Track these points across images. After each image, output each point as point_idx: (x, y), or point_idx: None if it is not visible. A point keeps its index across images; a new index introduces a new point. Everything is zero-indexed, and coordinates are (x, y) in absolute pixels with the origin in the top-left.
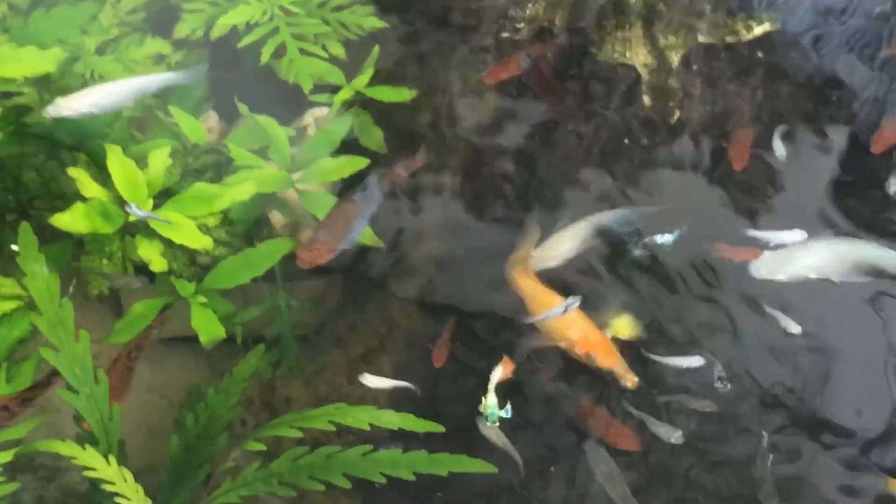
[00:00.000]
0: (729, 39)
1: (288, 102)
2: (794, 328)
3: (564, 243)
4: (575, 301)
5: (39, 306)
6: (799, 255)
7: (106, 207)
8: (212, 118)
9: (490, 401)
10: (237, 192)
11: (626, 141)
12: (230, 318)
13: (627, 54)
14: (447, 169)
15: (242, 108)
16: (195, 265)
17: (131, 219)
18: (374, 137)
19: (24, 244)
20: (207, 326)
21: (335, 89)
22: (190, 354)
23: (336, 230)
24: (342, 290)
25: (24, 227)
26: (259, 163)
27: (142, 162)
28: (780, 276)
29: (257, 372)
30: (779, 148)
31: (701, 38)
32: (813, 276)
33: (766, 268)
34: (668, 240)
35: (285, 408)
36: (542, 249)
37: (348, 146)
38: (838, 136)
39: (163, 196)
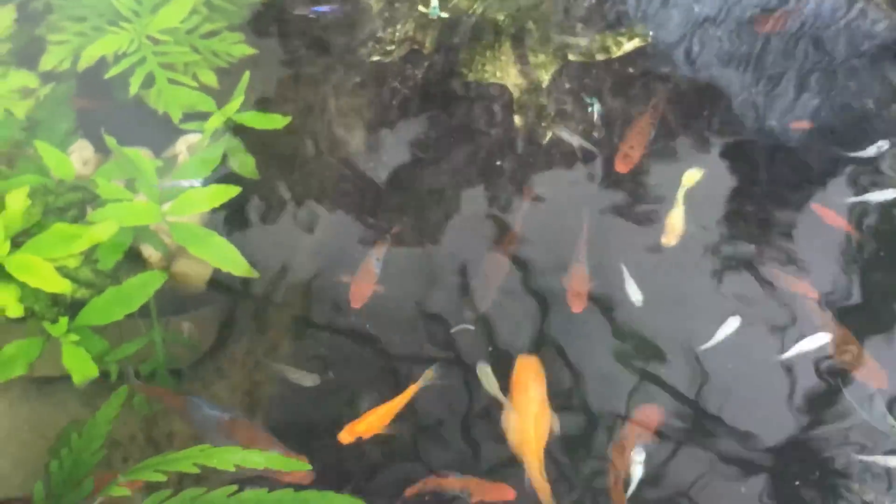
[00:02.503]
0: (600, 56)
1: (162, 130)
2: None
3: None
4: None
5: None
6: None
7: None
8: (87, 150)
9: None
10: (97, 232)
11: (499, 163)
12: (104, 355)
13: (498, 73)
14: (324, 192)
15: (109, 140)
16: (58, 306)
17: None
18: (247, 164)
19: None
20: (80, 366)
21: (208, 117)
22: (68, 392)
23: None
24: (220, 322)
25: None
26: (127, 196)
27: (3, 201)
28: None
29: (133, 409)
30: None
31: (571, 56)
32: None
33: None
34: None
35: (168, 443)
36: None
37: (222, 174)
38: (719, 145)
39: (24, 236)
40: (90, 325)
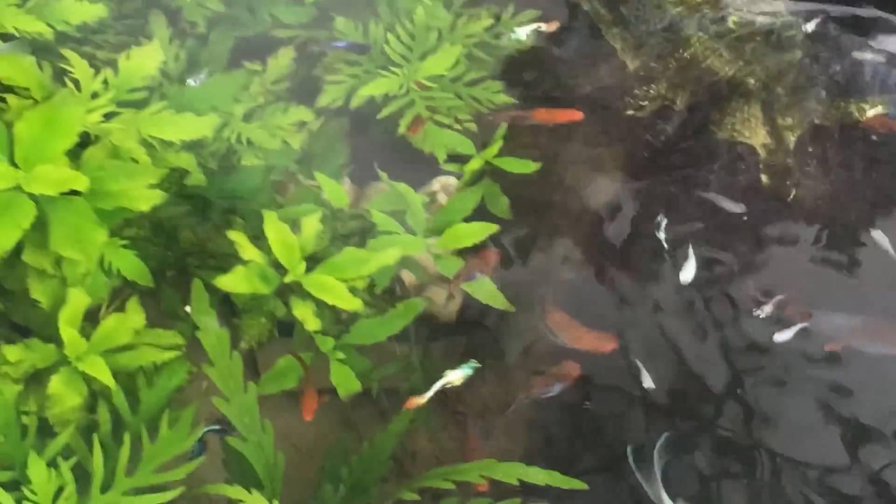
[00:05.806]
0: (843, 122)
1: (417, 169)
2: None
3: None
4: None
5: (211, 359)
6: None
7: (263, 270)
8: (345, 182)
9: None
10: (384, 256)
11: (745, 218)
12: (365, 373)
13: (747, 133)
14: (570, 239)
15: (383, 175)
16: (340, 323)
17: (285, 280)
18: (501, 205)
19: (196, 299)
20: (345, 381)
21: (462, 158)
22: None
23: None
24: (465, 350)
25: (197, 285)
26: (397, 228)
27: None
28: None
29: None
30: None
31: (816, 120)
32: None
33: None
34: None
35: (411, 461)
36: None
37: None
38: None
39: (312, 260)
40: (355, 343)
